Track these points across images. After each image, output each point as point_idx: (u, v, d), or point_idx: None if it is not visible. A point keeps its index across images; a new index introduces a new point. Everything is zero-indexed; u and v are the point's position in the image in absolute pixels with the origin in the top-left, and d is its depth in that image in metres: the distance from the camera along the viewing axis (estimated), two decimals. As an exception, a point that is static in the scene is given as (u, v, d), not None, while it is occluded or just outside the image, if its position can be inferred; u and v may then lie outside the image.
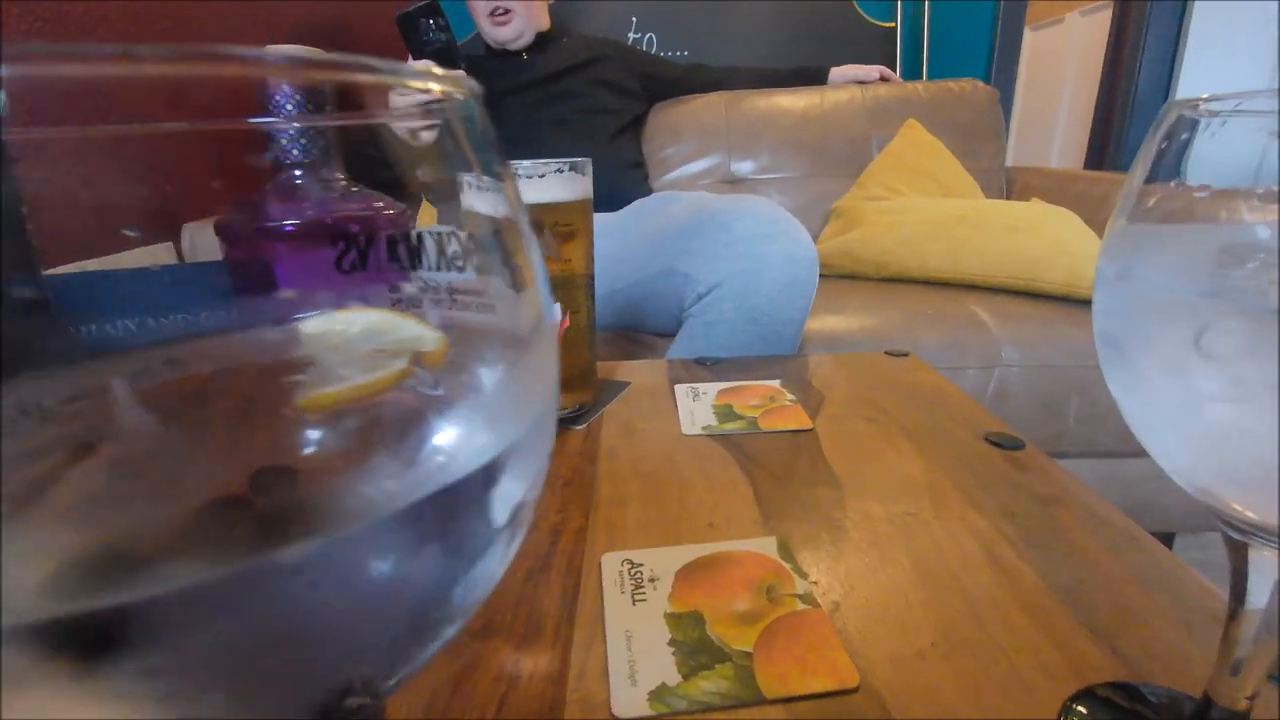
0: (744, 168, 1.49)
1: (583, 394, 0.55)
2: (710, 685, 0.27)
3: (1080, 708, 0.25)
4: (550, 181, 0.48)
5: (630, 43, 1.92)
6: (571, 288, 0.52)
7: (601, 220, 1.01)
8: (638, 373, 0.64)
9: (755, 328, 0.72)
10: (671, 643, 0.30)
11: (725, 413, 0.53)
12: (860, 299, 1.03)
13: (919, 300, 1.02)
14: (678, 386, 0.59)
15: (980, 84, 1.55)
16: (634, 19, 1.93)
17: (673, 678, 0.28)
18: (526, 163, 0.48)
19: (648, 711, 0.26)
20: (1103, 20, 2.29)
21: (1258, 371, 0.14)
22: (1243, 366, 0.14)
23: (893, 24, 1.85)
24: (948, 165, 1.41)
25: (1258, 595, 0.18)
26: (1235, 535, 0.18)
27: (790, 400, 0.55)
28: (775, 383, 0.59)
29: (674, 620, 0.31)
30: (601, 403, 0.56)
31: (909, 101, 1.52)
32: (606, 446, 0.49)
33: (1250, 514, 0.16)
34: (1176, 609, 0.31)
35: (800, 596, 0.32)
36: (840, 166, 1.46)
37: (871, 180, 1.39)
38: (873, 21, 1.86)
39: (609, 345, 0.96)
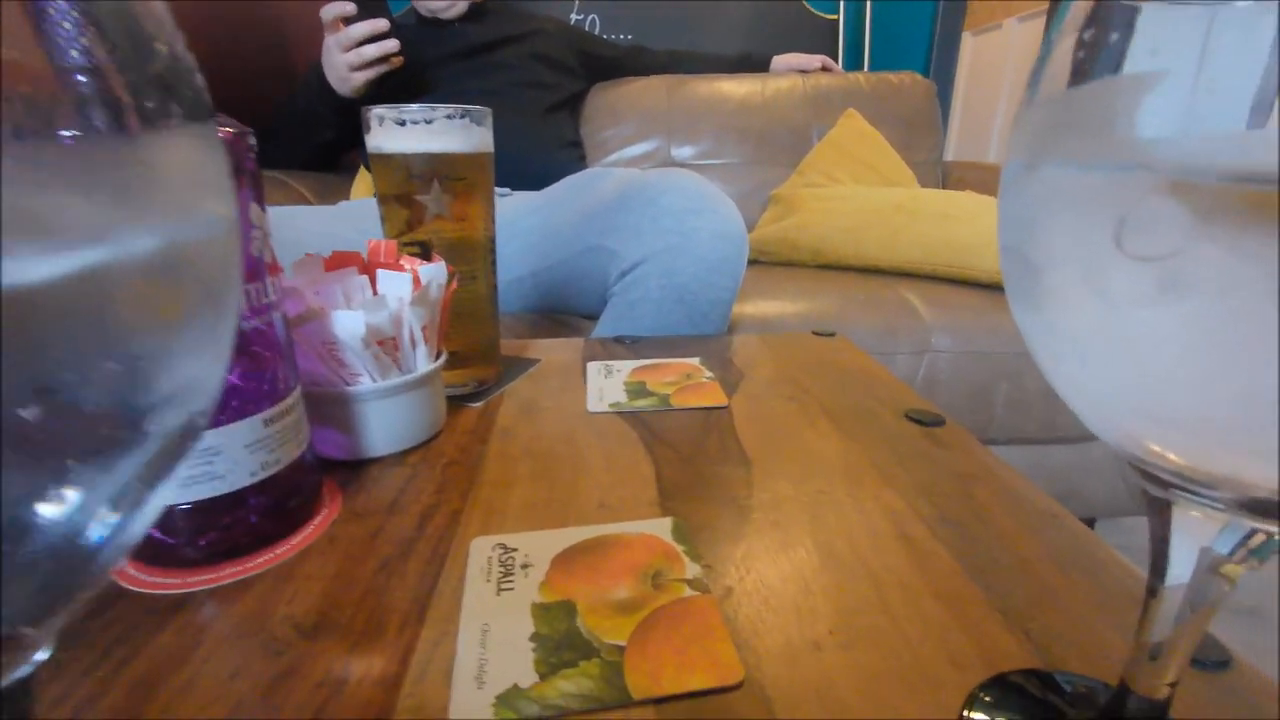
0: (684, 152, 1.46)
1: (483, 370, 0.50)
2: (570, 686, 0.23)
3: (987, 699, 0.22)
4: (440, 128, 0.43)
5: (572, 23, 1.87)
6: (468, 251, 0.47)
7: (529, 197, 0.96)
8: (551, 350, 0.60)
9: (681, 307, 0.68)
10: (534, 637, 0.25)
11: (637, 390, 0.49)
12: (796, 285, 1.00)
13: (854, 287, 1.00)
14: (590, 364, 0.55)
15: (919, 77, 1.56)
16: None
17: (528, 678, 0.23)
18: (415, 106, 0.43)
19: (489, 717, 0.22)
20: (1038, 26, 2.35)
21: (1197, 263, 0.11)
22: (1177, 259, 0.11)
23: (835, 16, 1.85)
24: (886, 155, 1.40)
25: (1180, 567, 0.15)
26: (1157, 492, 0.15)
27: (708, 377, 0.51)
28: (695, 360, 0.55)
29: (541, 611, 0.27)
30: (505, 380, 0.52)
31: (850, 92, 1.51)
32: (502, 425, 0.44)
33: (1176, 456, 0.13)
34: (1096, 591, 0.29)
35: (689, 582, 0.28)
36: (781, 154, 1.44)
37: (811, 168, 1.38)
38: (816, 13, 1.85)
39: (536, 328, 0.91)
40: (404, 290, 0.38)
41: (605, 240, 0.72)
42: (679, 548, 0.31)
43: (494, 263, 0.50)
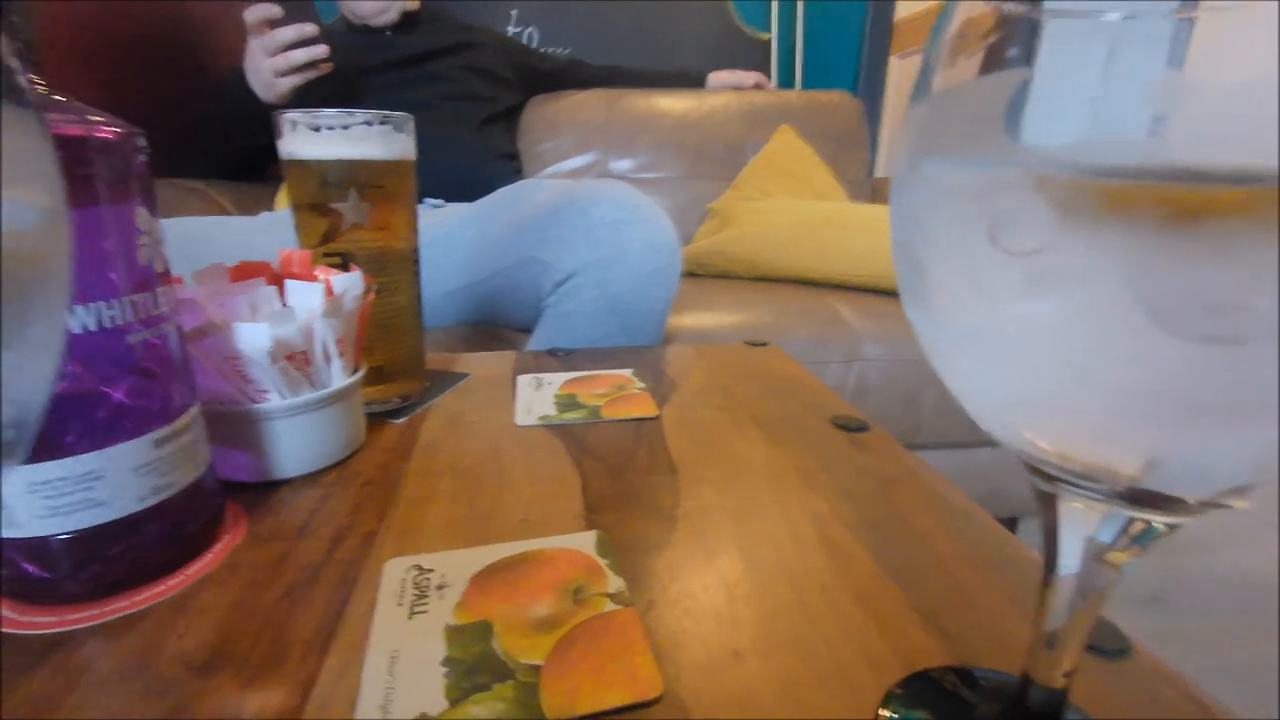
0: (623, 165, 1.46)
1: (406, 385, 0.49)
2: (482, 711, 0.22)
3: (902, 697, 0.22)
4: (358, 134, 0.42)
5: (510, 35, 1.86)
6: (389, 261, 0.45)
7: (463, 210, 0.94)
8: (481, 364, 0.58)
9: (615, 318, 0.68)
10: (447, 661, 0.24)
11: (567, 402, 0.48)
12: (732, 297, 1.02)
13: (788, 298, 1.02)
14: (521, 377, 0.54)
15: (849, 96, 1.62)
16: (514, 12, 1.87)
17: (437, 705, 0.22)
18: (331, 110, 0.41)
19: (393, 753, 0.21)
20: (1015, 52, 2.48)
21: (1062, 257, 0.11)
22: (1044, 254, 0.11)
23: (768, 36, 1.90)
24: (818, 171, 1.45)
25: (1070, 558, 0.16)
26: (1043, 485, 0.15)
27: (640, 388, 0.51)
28: (627, 372, 0.55)
29: (455, 634, 0.26)
30: (431, 395, 0.50)
31: (783, 109, 1.55)
32: (425, 441, 0.43)
33: (1054, 448, 0.13)
34: (1009, 587, 0.29)
35: (612, 596, 0.28)
36: (717, 168, 1.47)
37: (746, 182, 1.41)
38: (750, 32, 1.90)
39: (471, 342, 0.90)
40: (315, 301, 0.36)
41: (538, 252, 0.72)
42: (602, 561, 0.30)
43: (417, 273, 0.48)
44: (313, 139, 0.42)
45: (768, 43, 1.90)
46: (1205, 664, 0.96)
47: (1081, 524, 0.15)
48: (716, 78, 1.62)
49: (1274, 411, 0.10)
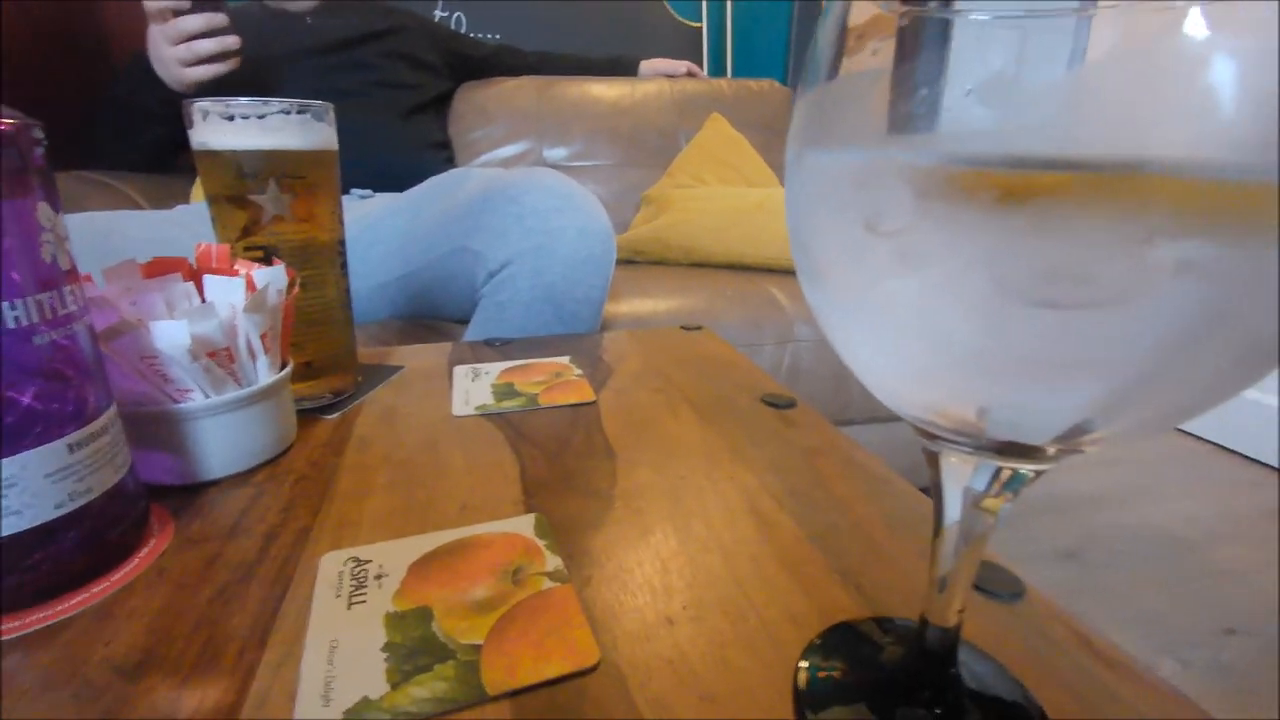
0: (557, 154, 1.45)
1: (338, 380, 0.48)
2: (423, 691, 0.23)
3: (819, 647, 0.24)
4: (275, 124, 0.41)
5: (437, 20, 1.81)
6: (314, 255, 0.45)
7: (392, 200, 0.92)
8: (416, 356, 0.58)
9: (551, 306, 0.68)
10: (387, 647, 0.25)
11: (504, 391, 0.49)
12: (668, 283, 1.03)
13: (723, 283, 1.05)
14: (457, 368, 0.54)
15: (778, 84, 1.65)
16: (440, -3, 1.82)
17: (379, 688, 0.23)
18: (244, 99, 0.40)
19: (335, 736, 0.21)
20: (888, 49, 2.57)
21: (925, 236, 0.12)
22: (908, 235, 0.12)
23: (699, 24, 1.91)
24: (750, 158, 1.47)
25: (953, 508, 0.18)
26: (927, 444, 0.17)
27: (577, 375, 0.52)
28: (565, 359, 0.56)
29: (395, 620, 0.26)
30: (364, 389, 0.49)
31: (714, 97, 1.57)
32: (360, 436, 0.42)
33: (928, 409, 0.15)
34: (921, 545, 0.32)
35: (550, 574, 0.29)
36: (651, 156, 1.48)
37: (680, 170, 1.42)
38: (681, 20, 1.91)
39: (405, 336, 0.88)
40: (236, 296, 0.36)
41: (470, 242, 0.71)
42: (541, 542, 0.31)
43: (344, 266, 0.48)
44: (226, 129, 0.40)
45: (699, 31, 1.92)
46: (1117, 612, 1.04)
47: (959, 476, 0.17)
48: (649, 65, 1.62)
49: (1102, 365, 0.12)
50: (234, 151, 0.41)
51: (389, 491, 0.36)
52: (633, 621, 0.26)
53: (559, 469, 0.38)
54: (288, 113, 0.41)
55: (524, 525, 0.32)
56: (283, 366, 0.40)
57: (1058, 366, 0.12)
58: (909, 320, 0.13)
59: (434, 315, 0.87)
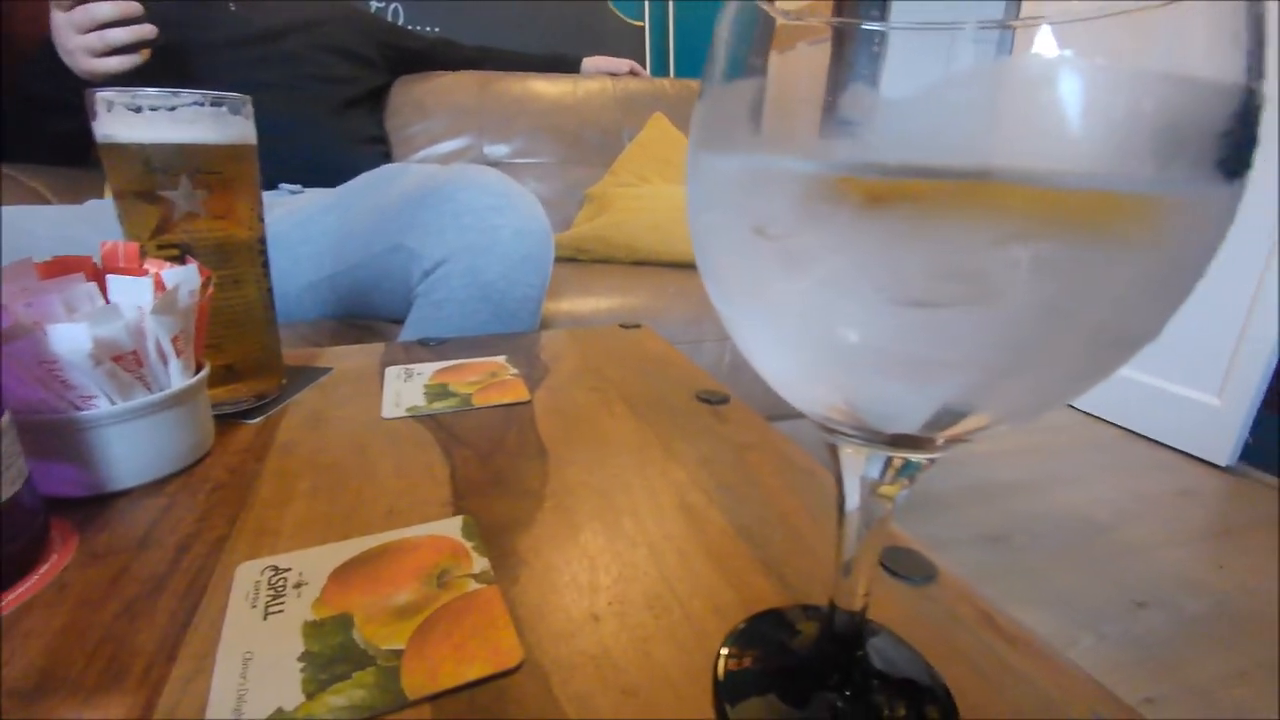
0: (499, 150, 1.44)
1: (261, 383, 0.46)
2: (340, 699, 0.22)
3: (739, 635, 0.25)
4: (188, 116, 0.39)
5: (372, 11, 1.76)
6: (232, 253, 0.43)
7: (324, 196, 0.89)
8: (347, 357, 0.56)
9: (488, 305, 0.67)
10: (304, 656, 0.24)
11: (437, 392, 0.48)
12: (610, 281, 1.03)
13: (665, 280, 1.06)
14: (389, 369, 0.52)
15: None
16: (376, -13, 1.77)
17: (294, 699, 0.22)
18: (153, 90, 0.38)
19: (244, 751, 0.20)
20: (826, 51, 2.64)
21: (804, 239, 0.13)
22: (792, 239, 0.13)
23: (642, 23, 1.92)
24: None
25: (853, 495, 0.18)
26: (827, 437, 0.17)
27: (512, 374, 0.51)
28: (501, 358, 0.55)
29: (314, 629, 0.25)
30: (290, 392, 0.48)
31: (657, 96, 1.58)
32: (283, 440, 0.41)
33: (821, 404, 0.15)
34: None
35: (476, 576, 0.28)
36: (594, 154, 1.48)
37: (623, 168, 1.43)
38: (624, 18, 1.91)
39: (338, 336, 0.85)
40: (143, 297, 0.34)
41: (405, 239, 0.70)
42: (468, 544, 0.30)
43: (266, 264, 0.46)
44: (133, 121, 0.38)
45: (642, 30, 1.92)
46: (1038, 592, 1.10)
47: (856, 466, 0.17)
48: (591, 63, 1.62)
49: (967, 358, 0.13)
50: (141, 145, 0.39)
51: (312, 497, 0.35)
52: (558, 619, 0.26)
53: (490, 470, 0.37)
54: (201, 104, 0.40)
55: (452, 528, 0.32)
56: (198, 370, 0.38)
57: (928, 361, 0.13)
58: (793, 320, 0.14)
59: (368, 314, 0.84)
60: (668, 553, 0.30)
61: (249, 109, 0.43)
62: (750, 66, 0.14)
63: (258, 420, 0.44)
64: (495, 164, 1.43)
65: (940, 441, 0.16)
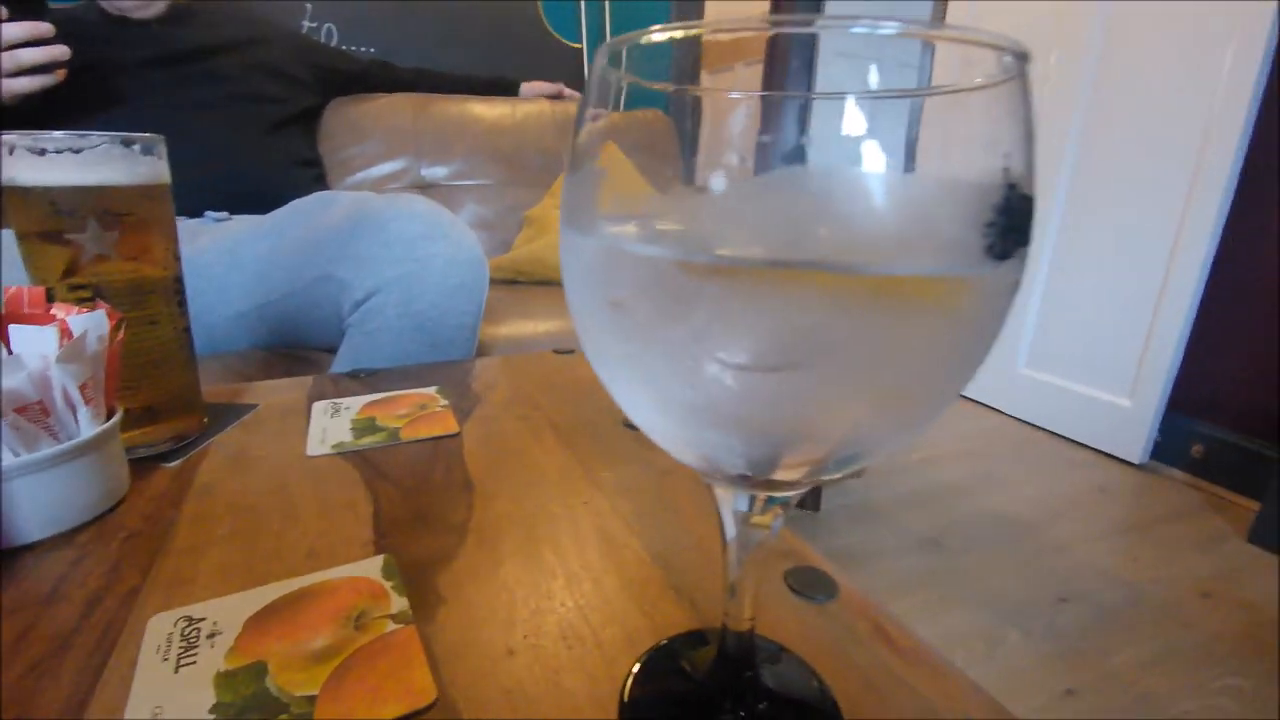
0: (437, 173, 1.43)
1: (180, 423, 0.45)
2: (250, 751, 0.22)
3: (646, 662, 0.26)
4: (96, 158, 0.39)
5: (305, 32, 1.74)
6: (147, 293, 0.42)
7: (253, 224, 0.88)
8: (273, 392, 0.55)
9: (423, 334, 0.68)
10: (216, 708, 0.24)
11: (365, 427, 0.48)
12: (549, 304, 1.04)
13: (605, 302, 1.07)
14: (317, 404, 0.52)
15: (659, 112, 1.70)
16: (309, 5, 1.75)
17: (202, 754, 0.22)
18: (59, 133, 0.38)
19: (147, 810, 0.20)
20: (759, 71, 2.73)
21: (653, 316, 0.14)
22: (631, 307, 0.14)
23: (579, 45, 1.95)
24: (633, 180, 1.51)
25: (730, 526, 0.20)
26: (703, 479, 0.19)
27: (442, 406, 0.52)
28: (431, 389, 0.55)
29: (226, 679, 0.25)
30: (211, 432, 0.47)
31: (640, 115, 1.60)
32: (202, 483, 0.41)
33: (679, 454, 0.17)
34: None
35: (394, 616, 0.29)
36: (534, 176, 1.49)
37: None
38: (562, 40, 1.94)
39: (269, 367, 0.84)
40: (48, 346, 0.33)
41: (335, 269, 0.69)
42: (387, 584, 0.31)
43: (183, 303, 0.45)
44: (36, 164, 0.38)
45: (580, 52, 1.95)
46: (971, 592, 1.15)
47: (729, 500, 0.19)
48: (530, 87, 1.63)
49: (796, 416, 0.14)
50: (46, 188, 0.38)
51: (231, 542, 0.35)
52: (474, 656, 0.27)
53: (414, 506, 0.38)
54: (110, 145, 0.39)
55: (372, 568, 0.32)
56: (110, 415, 0.38)
57: (760, 417, 0.14)
58: (647, 382, 0.15)
59: (301, 344, 0.83)
60: (584, 582, 0.32)
61: (162, 149, 0.43)
62: (598, 154, 0.15)
63: (176, 463, 0.43)
64: (434, 186, 1.43)
65: (795, 479, 0.18)
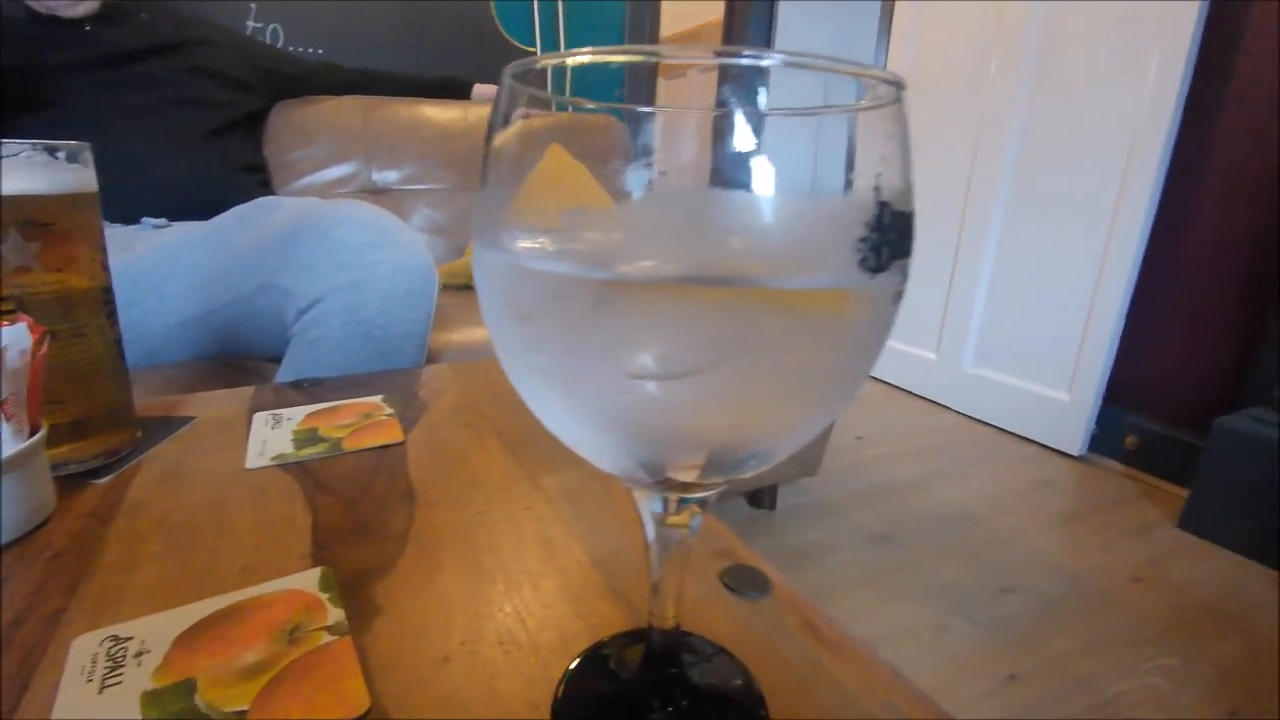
0: (388, 177, 1.41)
1: (111, 438, 0.44)
2: (175, 769, 0.22)
3: (580, 662, 0.27)
4: (13, 168, 0.37)
5: (250, 33, 1.70)
6: (73, 305, 0.41)
7: (192, 230, 0.85)
8: (212, 404, 0.54)
9: (370, 343, 0.67)
10: (140, 729, 0.24)
11: (306, 437, 0.47)
12: (504, 308, 1.04)
13: (559, 306, 1.07)
14: (257, 415, 0.51)
15: (613, 118, 1.71)
16: (253, 6, 1.70)
17: (125, 774, 0.22)
18: (-26, 143, 0.37)
19: (65, 834, 0.20)
20: (715, 77, 2.76)
21: (556, 328, 0.15)
22: (534, 322, 0.15)
23: (533, 48, 1.94)
24: (589, 187, 1.52)
25: (649, 527, 0.21)
26: (622, 483, 0.20)
27: (387, 415, 0.51)
28: (377, 398, 0.55)
29: (153, 699, 0.25)
30: (145, 446, 0.46)
31: (553, 125, 1.60)
32: (134, 499, 0.40)
33: (601, 463, 0.18)
34: (694, 562, 0.35)
35: (329, 628, 0.29)
36: (488, 180, 1.48)
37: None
38: (515, 43, 1.93)
39: (212, 378, 0.82)
40: (-38, 363, 0.32)
41: (278, 278, 0.68)
42: (323, 596, 0.31)
43: (112, 314, 0.44)
44: (-49, 173, 0.36)
45: (534, 54, 1.95)
46: (921, 584, 1.18)
47: (645, 502, 0.20)
48: (483, 90, 1.62)
49: (694, 421, 0.15)
50: (-39, 198, 0.37)
51: (163, 559, 0.34)
52: (410, 664, 0.27)
53: (354, 517, 0.38)
54: (31, 153, 0.38)
55: (309, 580, 0.32)
56: (34, 431, 0.37)
57: (661, 423, 0.15)
58: (554, 391, 0.16)
59: (245, 354, 0.81)
60: (523, 587, 0.32)
61: (88, 156, 0.42)
62: (508, 175, 0.16)
63: (107, 479, 0.42)
64: (385, 190, 1.41)
65: (707, 483, 0.19)
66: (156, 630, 0.29)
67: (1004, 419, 1.86)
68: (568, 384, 0.15)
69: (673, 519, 0.20)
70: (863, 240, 0.14)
